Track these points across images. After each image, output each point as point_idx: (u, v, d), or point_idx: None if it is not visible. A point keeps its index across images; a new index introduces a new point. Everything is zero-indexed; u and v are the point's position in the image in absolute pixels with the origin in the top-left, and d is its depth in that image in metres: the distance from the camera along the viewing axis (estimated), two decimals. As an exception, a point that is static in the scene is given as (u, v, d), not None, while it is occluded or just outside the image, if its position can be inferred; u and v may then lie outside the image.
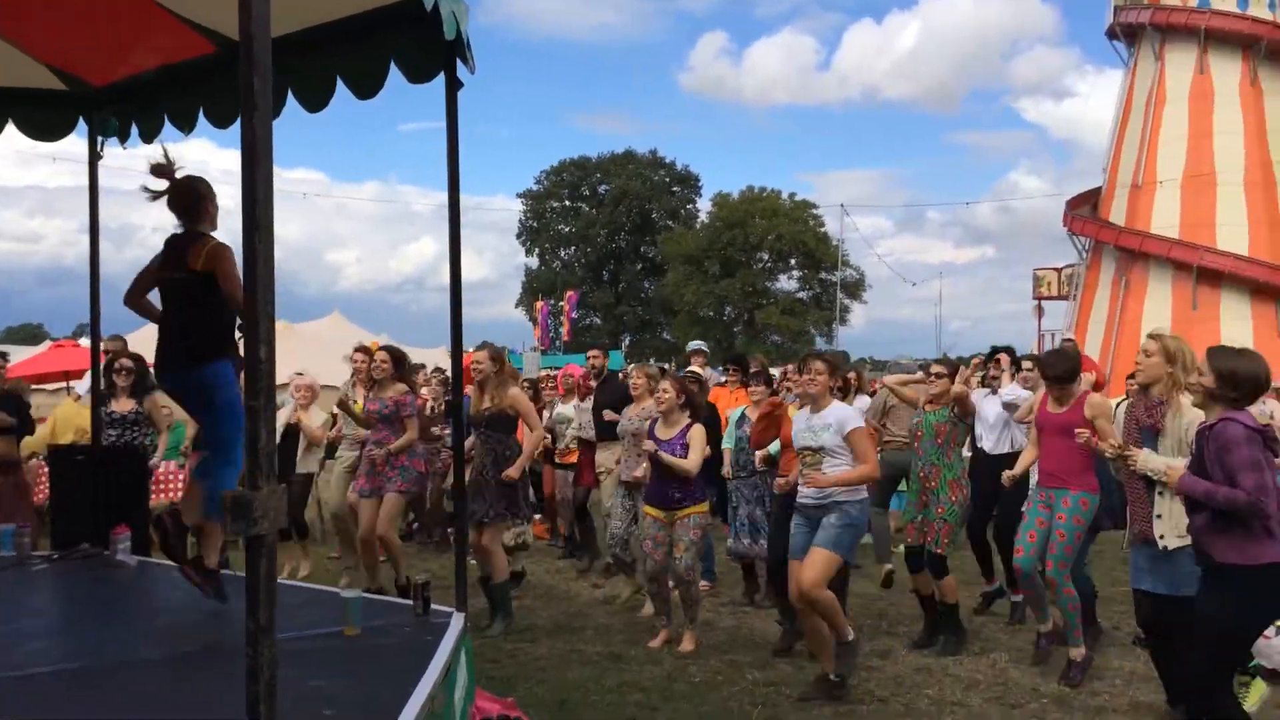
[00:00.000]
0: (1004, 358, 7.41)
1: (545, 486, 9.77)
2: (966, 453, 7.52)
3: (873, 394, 8.77)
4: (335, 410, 8.98)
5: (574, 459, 9.07)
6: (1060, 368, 5.85)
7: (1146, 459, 4.54)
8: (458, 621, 4.32)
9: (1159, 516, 4.67)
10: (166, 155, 4.53)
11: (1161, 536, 4.66)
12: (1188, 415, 4.64)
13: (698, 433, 6.46)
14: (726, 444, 7.55)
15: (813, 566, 5.33)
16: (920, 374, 7.34)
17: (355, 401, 8.29)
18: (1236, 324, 31.33)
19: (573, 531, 9.38)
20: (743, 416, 7.49)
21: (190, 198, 4.53)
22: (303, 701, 3.28)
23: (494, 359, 6.93)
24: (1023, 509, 6.07)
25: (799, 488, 5.60)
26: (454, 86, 4.47)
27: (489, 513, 6.72)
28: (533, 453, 6.85)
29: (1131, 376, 5.31)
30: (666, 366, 11.44)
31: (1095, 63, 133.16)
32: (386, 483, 7.00)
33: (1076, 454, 5.55)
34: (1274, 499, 3.78)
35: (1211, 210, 32.38)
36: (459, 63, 4.39)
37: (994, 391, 7.33)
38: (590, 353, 10.27)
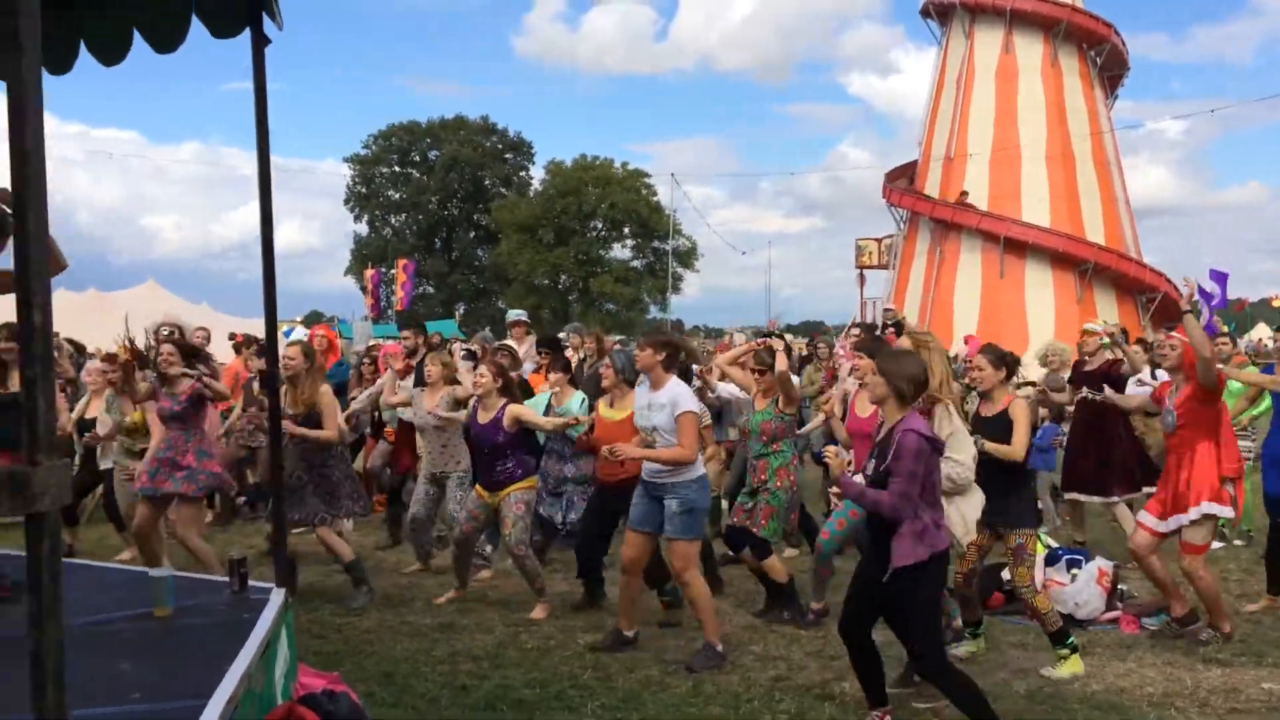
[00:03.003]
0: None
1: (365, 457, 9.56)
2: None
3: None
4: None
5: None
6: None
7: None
8: (277, 597, 4.18)
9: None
10: None
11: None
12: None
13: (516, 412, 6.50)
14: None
15: (678, 557, 5.48)
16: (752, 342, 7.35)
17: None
18: (1039, 291, 33.40)
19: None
20: (548, 404, 7.47)
21: None
22: (108, 686, 3.13)
23: (306, 354, 6.61)
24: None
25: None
26: (261, 43, 4.22)
27: (312, 516, 6.57)
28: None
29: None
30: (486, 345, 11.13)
31: (916, 40, 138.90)
32: (171, 484, 6.24)
33: None
34: (911, 507, 4.13)
35: (1017, 183, 34.29)
36: (265, 17, 4.16)
37: None
38: (402, 333, 9.96)
